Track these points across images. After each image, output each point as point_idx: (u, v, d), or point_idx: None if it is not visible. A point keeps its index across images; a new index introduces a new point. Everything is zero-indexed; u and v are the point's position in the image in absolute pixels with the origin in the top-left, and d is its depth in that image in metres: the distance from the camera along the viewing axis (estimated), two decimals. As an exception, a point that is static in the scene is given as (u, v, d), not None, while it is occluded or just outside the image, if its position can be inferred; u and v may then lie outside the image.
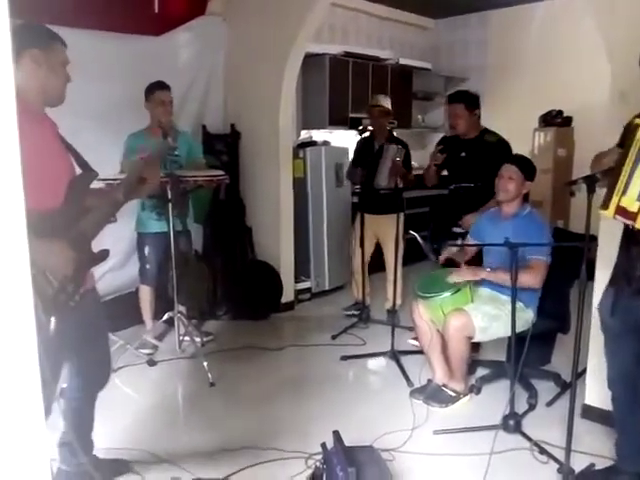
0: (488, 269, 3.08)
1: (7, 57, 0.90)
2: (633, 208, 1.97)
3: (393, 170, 4.22)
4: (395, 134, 4.85)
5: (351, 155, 4.91)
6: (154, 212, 3.80)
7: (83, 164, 2.17)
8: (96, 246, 2.13)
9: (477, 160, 3.68)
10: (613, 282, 2.32)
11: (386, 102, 4.52)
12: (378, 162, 4.27)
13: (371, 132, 4.54)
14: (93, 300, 2.26)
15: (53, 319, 1.83)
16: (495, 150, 3.64)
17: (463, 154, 3.77)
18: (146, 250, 3.89)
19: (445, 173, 4.00)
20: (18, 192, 0.94)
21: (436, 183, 3.98)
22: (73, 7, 3.70)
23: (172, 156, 3.60)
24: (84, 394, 2.34)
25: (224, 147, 4.99)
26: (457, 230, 3.70)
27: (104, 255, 2.12)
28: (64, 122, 2.18)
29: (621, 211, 2.01)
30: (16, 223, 0.94)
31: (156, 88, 3.73)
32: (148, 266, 3.91)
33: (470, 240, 3.40)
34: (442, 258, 3.33)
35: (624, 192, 1.99)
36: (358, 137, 4.63)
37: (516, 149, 3.74)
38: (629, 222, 2.02)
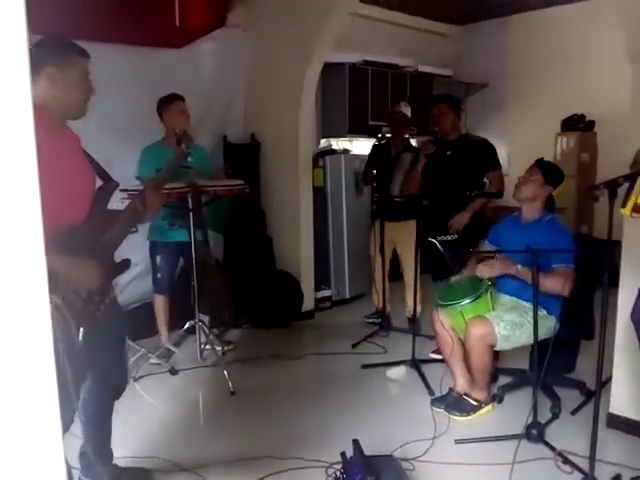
0: (519, 266, 2.97)
1: (25, 72, 0.92)
2: None
3: (410, 178, 4.19)
4: (413, 142, 4.85)
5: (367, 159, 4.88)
6: (166, 221, 3.79)
7: (104, 176, 2.20)
8: (118, 255, 2.18)
9: (462, 158, 3.83)
10: None
11: (407, 110, 4.54)
12: (394, 170, 4.26)
13: (388, 139, 4.55)
14: (115, 309, 2.29)
15: (82, 329, 1.89)
16: (479, 148, 3.87)
17: (449, 153, 3.90)
18: (158, 259, 3.90)
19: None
20: (35, 206, 0.95)
21: (420, 186, 4.00)
22: (94, 21, 3.76)
23: (185, 167, 3.57)
24: (102, 403, 2.36)
25: (244, 157, 5.03)
26: (445, 238, 3.71)
27: (126, 265, 2.17)
28: (86, 135, 2.20)
29: (637, 208, 2.01)
30: (34, 238, 0.96)
31: (175, 98, 3.77)
32: (159, 275, 3.92)
33: (487, 247, 3.37)
34: (470, 269, 3.28)
35: None
36: (374, 141, 4.65)
37: (539, 154, 3.71)
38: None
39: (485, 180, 3.90)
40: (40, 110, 1.93)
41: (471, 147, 3.89)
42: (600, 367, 2.32)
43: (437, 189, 3.94)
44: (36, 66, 1.93)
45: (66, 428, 2.04)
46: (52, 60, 1.95)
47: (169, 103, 3.77)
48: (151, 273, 3.99)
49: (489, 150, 3.90)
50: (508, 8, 6.60)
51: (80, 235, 1.96)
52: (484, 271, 3.07)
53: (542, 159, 3.27)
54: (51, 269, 1.88)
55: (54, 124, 1.98)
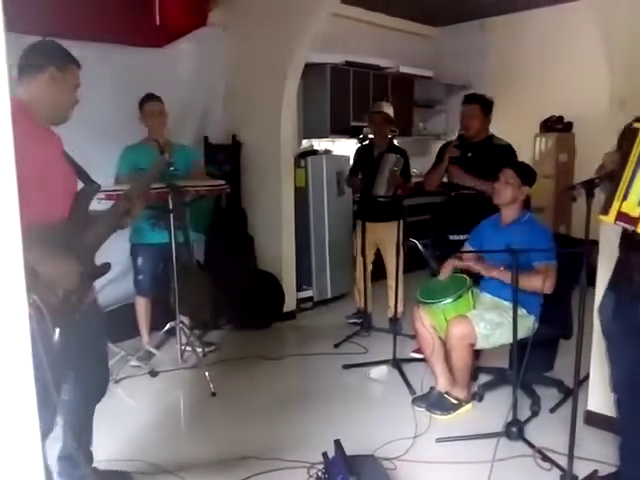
0: (501, 268, 3.03)
1: (2, 68, 0.91)
2: (634, 213, 1.96)
3: (391, 180, 4.20)
4: (396, 142, 4.85)
5: (351, 163, 4.88)
6: (147, 223, 3.77)
7: (85, 178, 2.21)
8: (98, 257, 2.18)
9: (483, 162, 3.68)
10: (613, 286, 2.31)
11: (388, 109, 4.49)
12: (376, 171, 4.25)
13: (371, 140, 4.52)
14: (95, 312, 2.29)
15: (57, 330, 1.87)
16: (502, 153, 3.68)
17: (469, 154, 3.77)
18: (139, 261, 3.87)
19: (445, 180, 4.00)
20: (13, 202, 0.94)
21: (439, 185, 3.98)
22: (73, 20, 3.73)
23: (170, 172, 3.55)
24: (83, 406, 2.34)
25: (226, 157, 5.01)
26: (455, 238, 3.70)
27: (106, 268, 2.18)
28: (65, 135, 2.21)
29: (622, 217, 2.00)
30: (11, 234, 0.95)
31: (145, 100, 3.72)
32: (141, 277, 3.89)
33: (469, 247, 3.40)
34: (445, 272, 3.28)
35: (625, 197, 1.98)
36: (358, 145, 4.63)
37: (519, 154, 3.75)
38: (631, 227, 2.00)
39: None
40: (24, 108, 1.97)
41: (493, 151, 3.72)
42: (578, 365, 2.35)
43: (454, 189, 3.89)
44: (39, 64, 2.02)
45: (48, 431, 2.04)
46: (54, 61, 2.04)
47: (143, 104, 3.73)
48: (131, 275, 3.96)
49: (511, 156, 3.69)
50: (488, 10, 6.66)
51: (59, 234, 1.98)
52: (469, 264, 3.12)
53: (516, 161, 3.30)
54: (28, 265, 1.87)
55: (36, 123, 2.02)
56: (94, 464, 2.46)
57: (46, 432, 2.08)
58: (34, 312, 1.76)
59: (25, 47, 2.06)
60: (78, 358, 2.16)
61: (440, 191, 4.10)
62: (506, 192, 3.15)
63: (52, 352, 1.82)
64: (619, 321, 2.26)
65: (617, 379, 2.37)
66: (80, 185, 2.20)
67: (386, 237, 4.40)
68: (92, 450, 2.43)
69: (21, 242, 0.96)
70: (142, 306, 3.96)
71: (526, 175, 3.19)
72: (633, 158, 1.98)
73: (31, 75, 2.02)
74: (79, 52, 2.19)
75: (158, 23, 4.53)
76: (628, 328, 2.22)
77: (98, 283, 2.31)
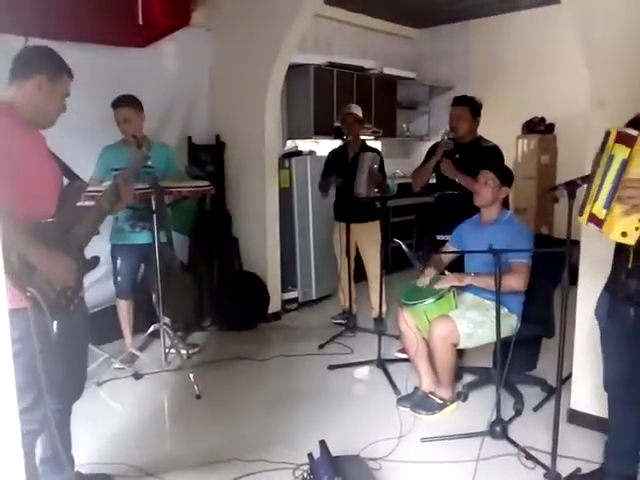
0: (472, 274, 3.10)
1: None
2: (601, 215, 1.97)
3: (371, 178, 4.22)
4: (373, 144, 4.87)
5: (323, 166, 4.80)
6: (127, 223, 3.75)
7: (71, 175, 2.24)
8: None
9: (470, 163, 3.67)
10: (608, 286, 2.32)
11: (358, 110, 4.53)
12: (355, 171, 4.26)
13: (345, 142, 4.56)
14: (83, 309, 2.29)
15: (55, 323, 1.90)
16: (489, 155, 3.69)
17: (457, 156, 3.79)
18: (118, 262, 3.82)
19: (433, 181, 4.02)
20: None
21: (426, 184, 3.99)
22: (56, 19, 3.69)
23: (146, 167, 3.38)
24: (63, 405, 2.31)
25: (209, 158, 4.99)
26: (442, 238, 3.72)
27: (96, 261, 2.23)
28: (49, 136, 2.20)
29: (593, 218, 2.01)
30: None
31: (114, 106, 3.63)
32: (119, 279, 3.85)
33: (450, 246, 3.42)
34: (425, 279, 3.30)
35: (596, 199, 2.00)
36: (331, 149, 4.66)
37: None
38: (597, 229, 2.01)
39: None
40: (12, 110, 1.98)
41: (480, 153, 3.72)
42: (560, 364, 2.38)
43: (438, 190, 3.91)
44: (30, 70, 2.02)
45: (40, 431, 2.03)
46: (46, 70, 2.04)
47: (113, 108, 3.64)
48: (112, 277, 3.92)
49: (498, 158, 3.71)
50: (471, 12, 6.72)
51: (54, 231, 2.01)
52: (440, 285, 3.14)
53: (493, 162, 3.32)
54: (28, 261, 1.87)
55: (20, 123, 2.02)
56: (76, 468, 2.43)
57: (38, 431, 2.08)
58: (32, 305, 1.81)
59: (20, 49, 2.08)
60: (66, 354, 2.14)
61: (425, 192, 4.11)
62: (486, 193, 3.18)
63: (50, 345, 1.87)
64: (614, 321, 2.26)
65: (611, 378, 2.38)
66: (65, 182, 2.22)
67: (366, 238, 4.42)
68: (73, 454, 2.40)
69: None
70: (124, 308, 3.92)
71: (504, 176, 3.22)
72: (602, 162, 1.99)
73: (21, 79, 2.02)
74: (61, 52, 2.17)
75: (141, 23, 4.48)
76: (622, 329, 2.23)
77: (85, 283, 2.31)
